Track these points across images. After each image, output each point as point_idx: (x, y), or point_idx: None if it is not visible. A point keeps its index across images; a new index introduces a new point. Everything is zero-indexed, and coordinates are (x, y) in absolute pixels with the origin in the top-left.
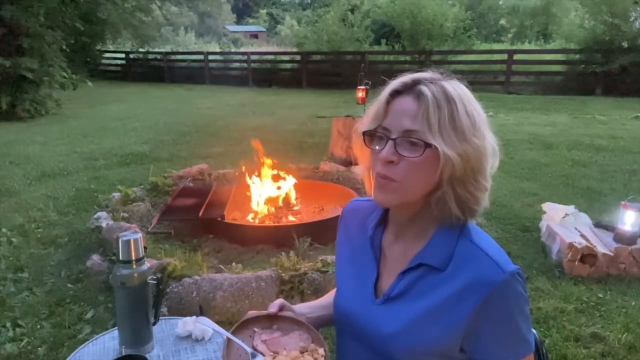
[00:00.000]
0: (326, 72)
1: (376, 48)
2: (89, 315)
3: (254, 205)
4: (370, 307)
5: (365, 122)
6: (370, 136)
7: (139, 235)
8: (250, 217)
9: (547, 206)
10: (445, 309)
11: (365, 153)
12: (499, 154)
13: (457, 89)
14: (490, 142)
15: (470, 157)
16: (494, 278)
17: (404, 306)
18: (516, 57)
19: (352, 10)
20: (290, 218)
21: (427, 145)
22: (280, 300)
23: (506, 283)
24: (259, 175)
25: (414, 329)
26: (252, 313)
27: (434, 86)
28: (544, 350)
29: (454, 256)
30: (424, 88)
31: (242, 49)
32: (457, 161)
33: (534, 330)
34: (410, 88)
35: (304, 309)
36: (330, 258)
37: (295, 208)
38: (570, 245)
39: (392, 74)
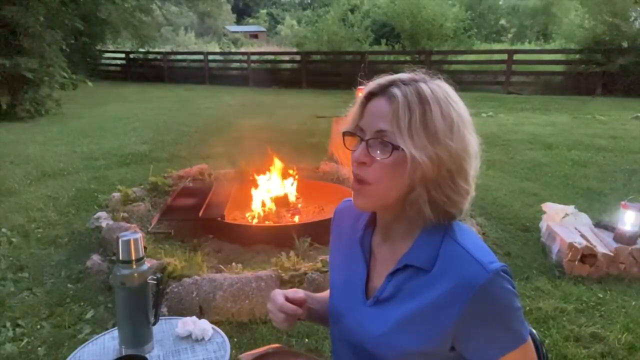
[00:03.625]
0: (326, 72)
1: (376, 48)
2: (89, 315)
3: (254, 205)
4: (360, 309)
5: (344, 123)
6: (348, 137)
7: (139, 235)
8: (249, 216)
9: (547, 206)
10: (433, 311)
11: (348, 154)
12: (479, 157)
13: (436, 89)
14: (472, 145)
15: (444, 159)
16: (478, 279)
17: (393, 308)
18: (516, 57)
19: (352, 10)
20: (295, 219)
21: (395, 147)
22: (301, 292)
23: (491, 282)
24: (260, 175)
25: (402, 331)
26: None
27: (408, 87)
28: (544, 351)
29: (439, 257)
30: (395, 90)
31: (242, 49)
32: (427, 164)
33: (534, 330)
34: (384, 89)
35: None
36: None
37: (299, 205)
38: (570, 245)
39: (392, 74)
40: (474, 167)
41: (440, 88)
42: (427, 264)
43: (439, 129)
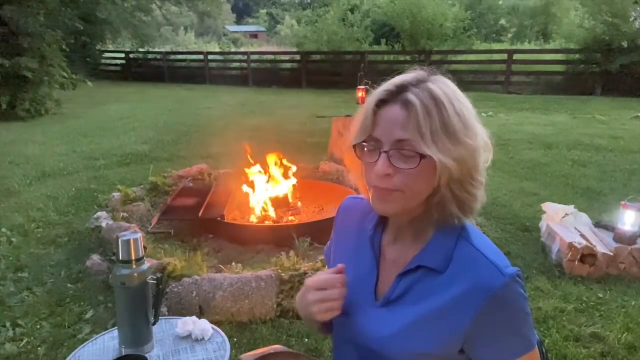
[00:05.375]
0: (326, 72)
1: (376, 48)
2: (89, 315)
3: (254, 205)
4: (369, 309)
5: (353, 133)
6: (361, 148)
7: (139, 235)
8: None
9: (547, 206)
10: (446, 313)
11: (357, 162)
12: (492, 147)
13: (444, 88)
14: (482, 137)
15: (467, 159)
16: (494, 283)
17: (403, 309)
18: (516, 57)
19: (352, 10)
20: (291, 218)
21: (422, 156)
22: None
23: (506, 287)
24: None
25: (412, 332)
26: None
27: (421, 91)
28: (544, 350)
29: (453, 259)
30: (410, 96)
31: (242, 49)
32: (454, 166)
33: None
34: (396, 96)
35: None
36: None
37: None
38: (570, 245)
39: (392, 74)
40: (485, 158)
41: (446, 85)
42: (441, 265)
43: (457, 128)
